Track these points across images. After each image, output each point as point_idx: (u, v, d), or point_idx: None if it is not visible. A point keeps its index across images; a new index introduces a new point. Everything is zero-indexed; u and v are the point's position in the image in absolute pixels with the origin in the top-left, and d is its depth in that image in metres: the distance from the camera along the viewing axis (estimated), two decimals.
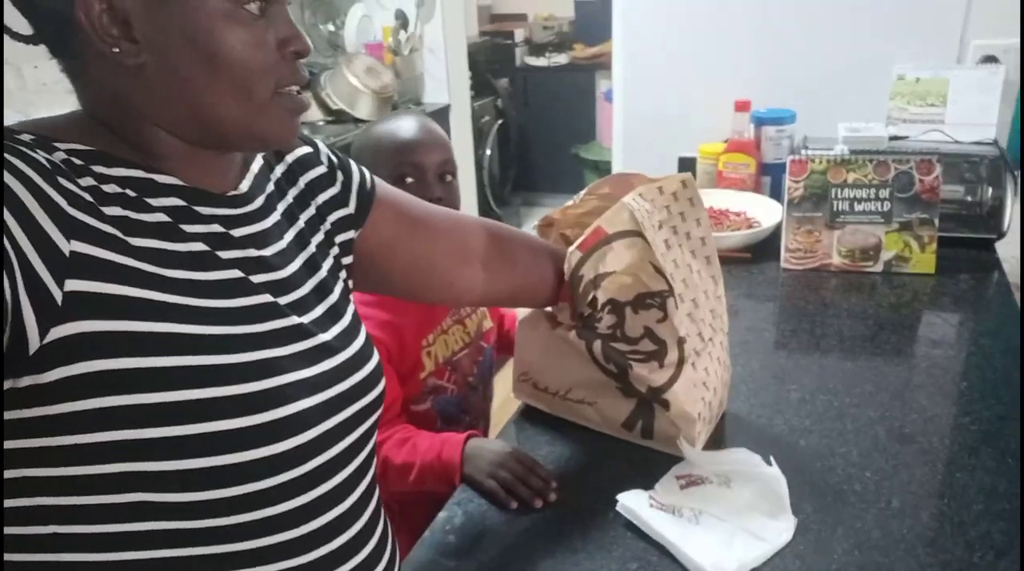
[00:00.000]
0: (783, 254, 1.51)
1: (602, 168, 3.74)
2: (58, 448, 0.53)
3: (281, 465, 0.60)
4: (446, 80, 3.37)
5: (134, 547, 0.57)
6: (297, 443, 0.61)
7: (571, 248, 0.89)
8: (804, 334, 1.28)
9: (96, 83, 0.58)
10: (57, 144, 0.55)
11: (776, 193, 1.72)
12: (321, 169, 0.75)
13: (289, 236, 0.69)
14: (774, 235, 1.56)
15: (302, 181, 0.73)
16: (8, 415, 0.51)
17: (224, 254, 0.61)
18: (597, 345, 0.93)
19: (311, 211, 0.73)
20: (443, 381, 1.11)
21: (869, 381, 1.11)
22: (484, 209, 3.93)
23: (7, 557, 0.57)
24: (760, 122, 1.78)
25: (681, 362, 0.89)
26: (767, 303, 1.44)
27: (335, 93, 2.99)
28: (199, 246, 0.59)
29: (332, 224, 0.75)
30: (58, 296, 0.50)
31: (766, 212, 1.64)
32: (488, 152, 4.02)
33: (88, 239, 0.52)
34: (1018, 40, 1.67)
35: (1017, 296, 1.38)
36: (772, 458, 0.88)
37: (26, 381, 0.50)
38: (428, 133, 1.07)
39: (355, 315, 0.73)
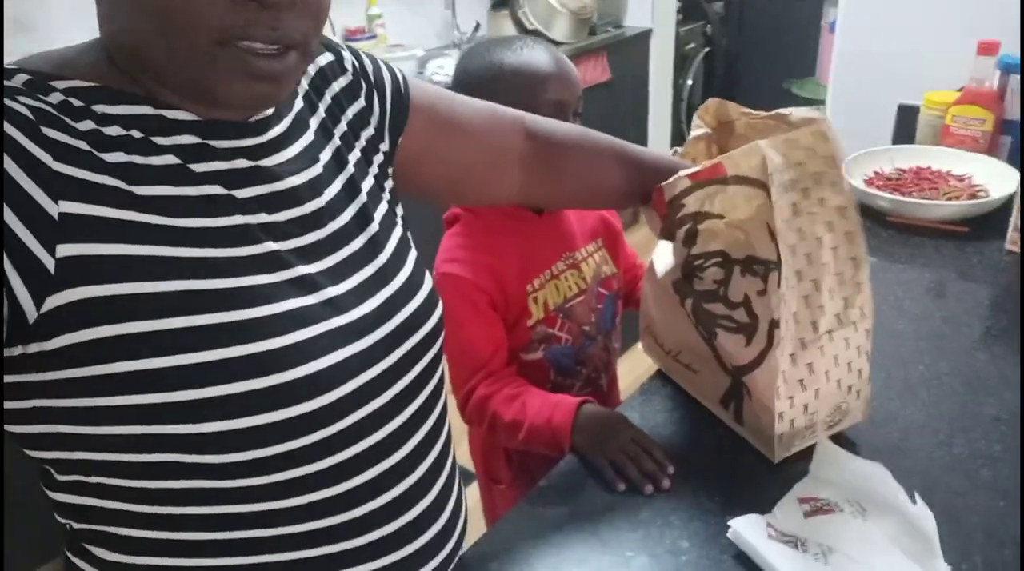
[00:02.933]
0: (1010, 234, 1.25)
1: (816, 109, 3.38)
2: (81, 409, 0.51)
3: (311, 425, 0.55)
4: (651, 2, 3.15)
5: (174, 503, 0.55)
6: (330, 400, 0.56)
7: (682, 172, 0.80)
8: (1018, 336, 1.05)
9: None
10: (56, 83, 0.50)
11: (1016, 158, 1.44)
12: (345, 79, 0.67)
13: (326, 156, 0.62)
14: (1003, 209, 1.29)
15: (328, 94, 0.66)
16: (27, 377, 0.50)
17: (243, 193, 0.55)
18: (689, 303, 0.85)
19: (343, 127, 0.66)
20: (555, 330, 1.02)
21: None
22: (678, 142, 3.72)
23: (68, 499, 0.57)
24: (1008, 69, 1.48)
25: (768, 347, 0.76)
26: (977, 291, 1.20)
27: (532, 12, 2.91)
28: (214, 189, 0.54)
29: (367, 141, 0.68)
30: (50, 264, 0.46)
31: (997, 180, 1.38)
32: (689, 82, 3.78)
33: (81, 197, 0.48)
34: None
35: None
36: (916, 495, 0.73)
37: (34, 348, 0.48)
38: (565, 65, 0.97)
39: (401, 240, 0.66)
